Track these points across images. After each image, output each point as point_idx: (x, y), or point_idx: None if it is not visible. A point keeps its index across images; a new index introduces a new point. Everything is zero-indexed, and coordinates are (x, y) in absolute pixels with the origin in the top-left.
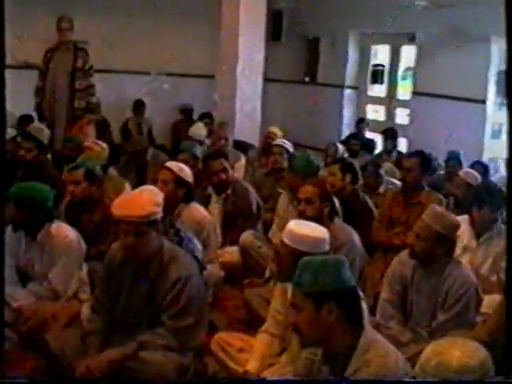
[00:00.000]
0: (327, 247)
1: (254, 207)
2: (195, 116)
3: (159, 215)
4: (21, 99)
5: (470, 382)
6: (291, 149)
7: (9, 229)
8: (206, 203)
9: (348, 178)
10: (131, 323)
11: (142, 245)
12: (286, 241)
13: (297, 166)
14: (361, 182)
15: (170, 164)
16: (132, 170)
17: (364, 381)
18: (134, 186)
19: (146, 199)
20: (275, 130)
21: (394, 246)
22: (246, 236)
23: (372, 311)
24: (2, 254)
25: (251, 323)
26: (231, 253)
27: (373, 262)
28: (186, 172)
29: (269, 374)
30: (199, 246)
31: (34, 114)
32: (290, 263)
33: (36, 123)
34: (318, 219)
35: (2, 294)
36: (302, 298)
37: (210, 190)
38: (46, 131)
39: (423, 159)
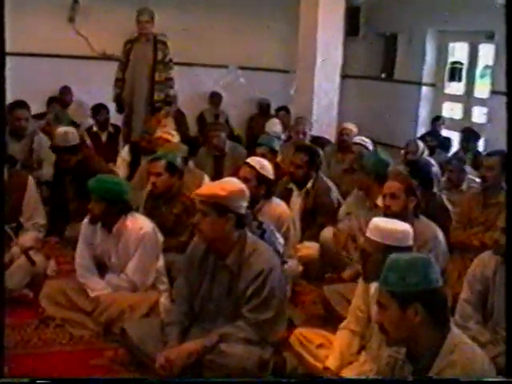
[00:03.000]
0: (411, 242)
1: (335, 204)
2: (272, 110)
3: (240, 207)
4: (99, 90)
5: (470, 382)
6: (371, 146)
7: (85, 221)
8: (287, 197)
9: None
10: (211, 315)
11: (211, 228)
12: (372, 236)
13: (366, 164)
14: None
15: (252, 160)
16: (209, 163)
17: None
18: (212, 178)
19: (229, 185)
20: (350, 125)
21: (471, 247)
22: (327, 233)
23: (450, 311)
24: (2, 254)
25: (328, 319)
26: (310, 248)
27: (450, 262)
28: (266, 168)
29: (348, 372)
30: (281, 240)
31: (113, 105)
32: (377, 260)
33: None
34: (402, 214)
35: (2, 293)
36: (388, 297)
37: (291, 184)
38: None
39: (504, 159)
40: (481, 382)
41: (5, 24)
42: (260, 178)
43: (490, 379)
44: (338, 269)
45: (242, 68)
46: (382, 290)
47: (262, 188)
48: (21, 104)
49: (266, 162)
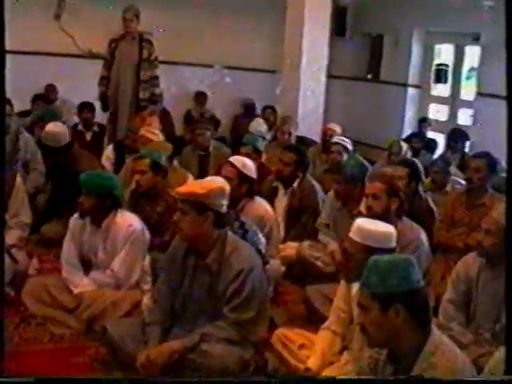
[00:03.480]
0: (394, 243)
1: (320, 205)
2: (258, 109)
3: (220, 205)
4: (84, 88)
5: (469, 382)
6: (350, 146)
7: (75, 216)
8: (272, 196)
9: (412, 179)
10: (192, 314)
11: (190, 226)
12: (354, 237)
13: (344, 171)
14: (425, 181)
15: (234, 159)
16: (194, 162)
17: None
18: (196, 177)
19: (208, 183)
20: (334, 126)
21: (455, 248)
22: (303, 248)
23: (433, 312)
24: (1, 253)
25: (311, 319)
26: (292, 248)
27: (433, 263)
28: (249, 167)
29: (329, 372)
30: (263, 240)
31: (98, 103)
32: (358, 261)
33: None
34: (384, 216)
35: (1, 292)
36: (370, 299)
37: (277, 182)
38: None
39: (490, 160)
40: (480, 382)
41: (5, 24)
42: (241, 176)
43: (490, 379)
44: (319, 278)
45: (228, 67)
46: (363, 291)
47: (244, 187)
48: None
49: (248, 161)
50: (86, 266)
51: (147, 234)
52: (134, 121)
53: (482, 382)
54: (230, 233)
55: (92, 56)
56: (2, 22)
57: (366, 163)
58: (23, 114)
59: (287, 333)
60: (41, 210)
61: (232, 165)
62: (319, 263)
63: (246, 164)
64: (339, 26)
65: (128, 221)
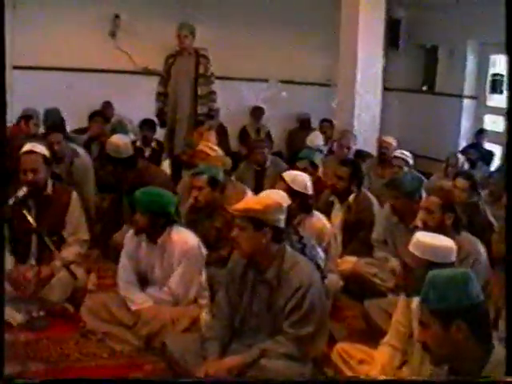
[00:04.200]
0: (454, 258)
1: (376, 219)
2: (314, 123)
3: (278, 220)
4: (140, 105)
5: (469, 382)
6: (411, 160)
7: (130, 232)
8: (328, 211)
9: (473, 192)
10: (251, 330)
11: (248, 242)
12: (413, 251)
13: (401, 186)
14: (482, 193)
15: (285, 174)
16: (250, 177)
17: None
18: (253, 192)
19: (265, 199)
20: (389, 139)
21: None
22: (359, 265)
23: (494, 325)
24: (2, 252)
25: (370, 334)
26: (350, 262)
27: (493, 276)
28: (299, 182)
29: None
30: (321, 254)
31: (155, 119)
32: (418, 275)
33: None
34: (440, 230)
35: (2, 292)
36: (430, 316)
37: (333, 197)
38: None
39: None
40: (480, 382)
41: (5, 25)
42: (292, 191)
43: (490, 379)
44: (377, 294)
45: (283, 82)
46: (423, 308)
47: (296, 201)
48: (55, 127)
49: (300, 177)
50: (143, 282)
51: (203, 250)
52: (192, 136)
53: (482, 382)
54: (288, 248)
55: (148, 72)
56: (2, 22)
57: (422, 177)
58: (80, 131)
59: (347, 348)
60: (106, 221)
61: (283, 180)
62: (376, 280)
63: (296, 179)
64: (393, 38)
65: (184, 237)
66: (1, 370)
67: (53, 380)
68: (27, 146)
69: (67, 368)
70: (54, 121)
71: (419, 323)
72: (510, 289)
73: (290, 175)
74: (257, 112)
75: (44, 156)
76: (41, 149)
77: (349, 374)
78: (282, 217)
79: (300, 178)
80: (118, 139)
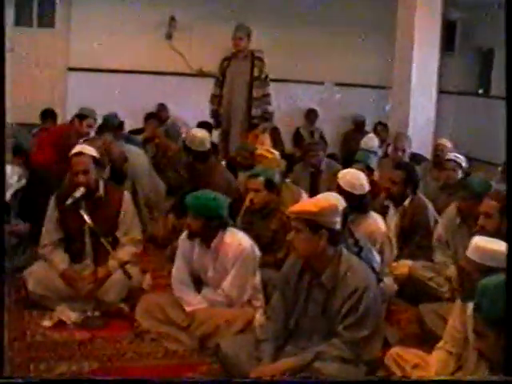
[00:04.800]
0: None
1: (432, 224)
2: (368, 126)
3: (334, 222)
4: (195, 106)
5: (468, 382)
6: (464, 164)
7: (183, 236)
8: (383, 214)
9: None
10: (305, 332)
11: (305, 245)
12: (471, 256)
13: (471, 188)
14: None
15: (339, 173)
16: (305, 179)
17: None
18: (308, 194)
19: (321, 201)
20: (445, 142)
21: None
22: (415, 269)
23: None
24: (2, 252)
25: (424, 339)
26: (405, 266)
27: None
28: (348, 181)
29: None
30: (377, 258)
31: (210, 121)
32: (475, 280)
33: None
34: (497, 234)
35: (1, 293)
36: (484, 323)
37: (388, 201)
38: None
39: None
40: (480, 382)
41: (5, 25)
42: (343, 190)
43: (490, 379)
44: (433, 298)
45: (338, 84)
46: (476, 316)
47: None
48: (107, 128)
49: (350, 175)
50: (197, 283)
51: (257, 251)
52: (247, 138)
53: (482, 382)
54: (344, 250)
55: (202, 74)
56: (2, 22)
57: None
58: (136, 131)
59: (401, 352)
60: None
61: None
62: (432, 284)
63: (346, 178)
64: (448, 40)
65: (237, 240)
66: (1, 370)
67: (53, 380)
68: (77, 148)
69: (121, 367)
70: (108, 122)
71: (474, 332)
72: (510, 288)
73: (342, 173)
74: (311, 114)
75: (93, 157)
76: (90, 150)
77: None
78: (338, 219)
79: (350, 177)
80: (198, 132)
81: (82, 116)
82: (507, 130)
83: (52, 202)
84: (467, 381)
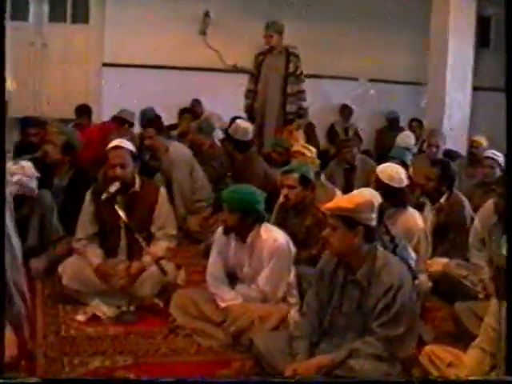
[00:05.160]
0: None
1: (468, 221)
2: (403, 123)
3: (369, 219)
4: (229, 102)
5: (470, 382)
6: (502, 160)
7: (219, 231)
8: (419, 211)
9: None
10: (340, 329)
11: (340, 242)
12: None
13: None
14: None
15: (378, 167)
16: (339, 176)
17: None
18: (342, 191)
19: (357, 198)
20: (480, 139)
21: None
22: (449, 266)
23: None
24: (2, 252)
25: (459, 337)
26: (439, 264)
27: None
28: (388, 175)
29: None
30: (413, 255)
31: (244, 116)
32: None
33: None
34: None
35: (2, 292)
36: None
37: (423, 198)
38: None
39: None
40: (480, 382)
41: (5, 24)
42: (382, 184)
43: (490, 379)
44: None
45: (372, 80)
46: None
47: (386, 195)
48: (149, 123)
49: (390, 169)
50: (232, 279)
51: (292, 248)
52: (281, 134)
53: (481, 382)
54: (380, 247)
55: (236, 70)
56: (2, 22)
57: None
58: (171, 127)
59: (436, 350)
60: None
61: (375, 173)
62: (467, 282)
63: (386, 171)
64: (483, 36)
65: (273, 235)
66: (1, 370)
67: (53, 380)
68: (114, 142)
69: (155, 363)
70: (149, 117)
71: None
72: (510, 288)
73: (381, 167)
74: (345, 110)
75: (131, 151)
76: (127, 144)
77: (437, 376)
78: (374, 216)
79: (389, 171)
80: (242, 122)
81: (122, 121)
82: (507, 128)
83: (88, 195)
84: (467, 381)
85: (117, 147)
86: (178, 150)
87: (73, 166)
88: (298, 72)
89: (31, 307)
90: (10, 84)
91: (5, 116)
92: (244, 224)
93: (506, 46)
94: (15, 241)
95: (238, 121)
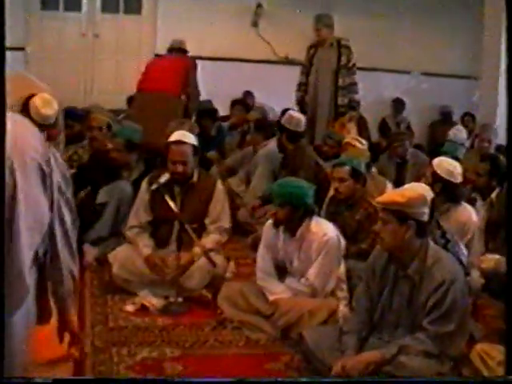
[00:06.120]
0: None
1: None
2: (455, 117)
3: (421, 213)
4: (280, 94)
5: (468, 382)
6: None
7: (268, 224)
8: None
9: None
10: (390, 325)
11: (391, 236)
12: None
13: None
14: None
15: (434, 160)
16: (391, 169)
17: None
18: (394, 184)
19: (409, 192)
20: None
21: None
22: (501, 263)
23: None
24: (2, 252)
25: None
26: (491, 260)
27: None
28: (444, 168)
29: None
30: (464, 251)
31: (296, 108)
32: None
33: None
34: None
35: (2, 292)
36: None
37: (474, 193)
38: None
39: None
40: (481, 382)
41: (5, 24)
42: (437, 178)
43: (490, 379)
44: None
45: (425, 74)
46: None
47: (441, 189)
48: (206, 113)
49: (447, 163)
50: (281, 272)
51: (342, 242)
52: (333, 127)
53: (481, 381)
54: (431, 243)
55: (288, 62)
56: (3, 21)
57: None
58: (223, 119)
59: (487, 348)
60: None
61: (431, 165)
62: None
63: (442, 165)
64: None
65: (323, 229)
66: (1, 370)
67: (53, 380)
68: (177, 135)
69: (203, 355)
70: (206, 107)
71: None
72: (510, 287)
73: (438, 161)
74: (397, 104)
75: (193, 146)
76: (190, 138)
77: (487, 375)
78: (426, 210)
79: (447, 164)
80: (295, 113)
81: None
82: (507, 127)
83: (144, 184)
84: (468, 381)
85: (179, 142)
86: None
87: (141, 160)
88: (350, 64)
89: (80, 297)
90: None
91: (4, 116)
92: (294, 218)
93: (507, 46)
94: (68, 218)
95: (291, 111)
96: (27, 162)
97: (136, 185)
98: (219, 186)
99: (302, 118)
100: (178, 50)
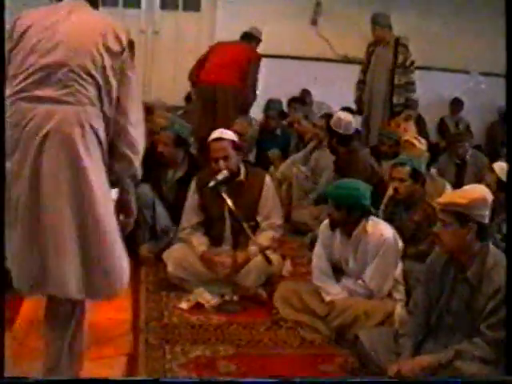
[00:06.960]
0: None
1: None
2: None
3: (483, 216)
4: (339, 92)
5: (469, 382)
6: None
7: (324, 223)
8: None
9: None
10: (447, 329)
11: (451, 238)
12: None
13: None
14: None
15: (496, 164)
16: (451, 170)
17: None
18: (453, 186)
19: (470, 193)
20: None
21: None
22: None
23: None
24: (2, 252)
25: None
26: None
27: None
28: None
29: None
30: None
31: (354, 107)
32: None
33: None
34: None
35: (2, 291)
36: None
37: None
38: None
39: None
40: (481, 382)
41: (5, 23)
42: (500, 183)
43: (490, 379)
44: None
45: (484, 73)
46: None
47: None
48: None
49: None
50: (337, 272)
51: (399, 243)
52: (389, 126)
53: (482, 381)
54: (491, 246)
55: (347, 61)
56: (2, 21)
57: None
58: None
59: None
60: None
61: (492, 171)
62: None
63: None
64: None
65: (379, 230)
66: (1, 370)
67: (53, 380)
68: (215, 133)
69: (257, 354)
70: (275, 108)
71: None
72: (510, 288)
73: (500, 165)
74: (456, 104)
75: (233, 142)
76: (229, 135)
77: None
78: (487, 213)
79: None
80: (343, 114)
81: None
82: (507, 126)
83: (192, 185)
84: (468, 381)
85: (218, 139)
86: None
87: (186, 158)
88: (408, 63)
89: (135, 291)
90: None
91: (4, 116)
92: (350, 219)
93: (507, 46)
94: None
95: (339, 113)
96: None
97: (180, 184)
98: (268, 182)
99: (350, 119)
100: (249, 36)
